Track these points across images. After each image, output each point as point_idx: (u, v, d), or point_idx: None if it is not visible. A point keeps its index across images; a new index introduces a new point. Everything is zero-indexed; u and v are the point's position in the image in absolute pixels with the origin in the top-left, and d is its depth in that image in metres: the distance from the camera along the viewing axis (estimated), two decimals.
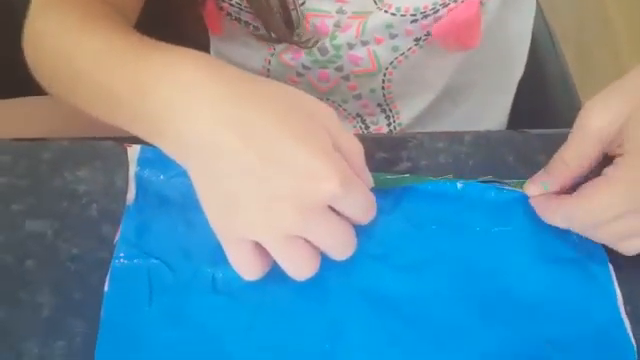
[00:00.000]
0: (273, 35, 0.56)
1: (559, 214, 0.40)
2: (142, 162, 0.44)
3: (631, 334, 0.38)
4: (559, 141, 0.44)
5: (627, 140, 0.38)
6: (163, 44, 0.40)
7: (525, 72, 0.71)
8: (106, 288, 0.40)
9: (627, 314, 0.39)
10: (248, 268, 0.38)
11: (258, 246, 0.37)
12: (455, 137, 0.46)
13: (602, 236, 0.40)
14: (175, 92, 0.37)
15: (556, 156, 0.41)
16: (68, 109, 0.47)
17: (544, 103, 0.74)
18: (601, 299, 0.39)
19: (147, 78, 0.38)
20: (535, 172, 0.44)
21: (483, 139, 0.46)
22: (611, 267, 0.40)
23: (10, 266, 0.42)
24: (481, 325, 0.38)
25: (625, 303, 0.39)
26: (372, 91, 0.63)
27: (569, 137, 0.40)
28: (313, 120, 0.37)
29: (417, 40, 0.57)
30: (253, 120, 0.36)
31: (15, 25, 0.49)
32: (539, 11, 0.77)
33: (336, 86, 0.63)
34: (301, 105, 0.38)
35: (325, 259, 0.38)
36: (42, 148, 0.46)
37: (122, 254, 0.41)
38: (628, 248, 0.40)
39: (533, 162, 0.45)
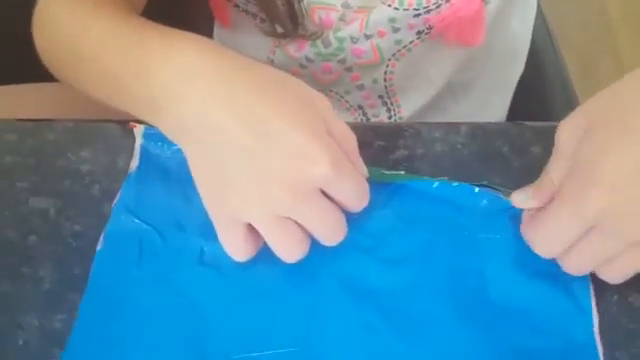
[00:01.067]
0: (278, 29, 0.57)
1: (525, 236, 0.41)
2: (147, 136, 0.45)
3: (602, 357, 0.38)
4: (553, 134, 0.45)
5: (574, 160, 0.38)
6: (166, 28, 0.41)
7: (525, 75, 0.71)
8: (99, 247, 0.42)
9: (603, 338, 0.38)
10: (238, 249, 0.39)
11: (249, 228, 0.38)
12: (451, 128, 0.47)
13: (568, 268, 0.39)
14: (176, 75, 0.38)
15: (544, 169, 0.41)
16: (72, 96, 0.48)
17: (542, 107, 0.75)
18: (577, 317, 0.39)
19: (150, 61, 0.39)
20: (529, 163, 0.45)
21: (479, 130, 0.47)
22: (592, 287, 0.40)
23: (13, 241, 0.43)
24: (456, 325, 0.39)
25: (601, 325, 0.39)
26: (374, 81, 0.64)
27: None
28: (309, 106, 0.38)
29: (419, 33, 0.58)
30: (250, 103, 0.37)
31: (24, 11, 0.50)
32: (540, 15, 0.78)
33: (339, 78, 0.64)
34: (298, 91, 0.39)
35: (313, 245, 0.38)
36: (47, 128, 0.48)
37: (118, 218, 0.42)
38: (608, 276, 0.39)
39: (527, 153, 0.45)
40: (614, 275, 0.39)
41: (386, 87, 0.64)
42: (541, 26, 0.77)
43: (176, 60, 0.38)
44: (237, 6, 0.60)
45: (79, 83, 0.46)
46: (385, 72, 0.63)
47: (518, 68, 0.71)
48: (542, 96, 0.75)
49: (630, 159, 0.36)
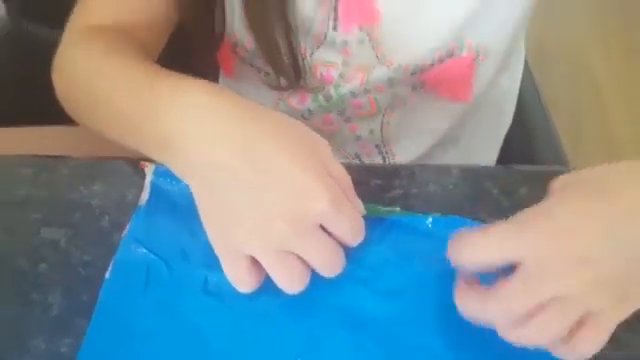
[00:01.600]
0: (283, 83, 0.61)
1: None
2: (158, 173, 0.48)
3: None
4: (540, 177, 0.48)
5: None
6: (176, 73, 0.44)
7: (512, 131, 0.75)
8: (107, 275, 0.43)
9: None
10: (242, 281, 0.41)
11: (253, 261, 0.40)
12: (444, 169, 0.49)
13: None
14: (183, 115, 0.41)
15: None
16: (88, 139, 0.51)
17: (530, 162, 0.77)
18: None
19: (159, 102, 0.42)
20: (517, 205, 0.47)
21: (470, 172, 0.49)
22: None
23: (25, 269, 0.44)
24: (448, 353, 0.41)
25: None
26: (371, 132, 0.67)
27: None
28: (309, 146, 0.41)
29: (414, 88, 0.62)
30: (255, 142, 0.39)
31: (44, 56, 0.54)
32: (531, 81, 0.82)
33: (338, 129, 0.67)
34: (298, 132, 0.41)
35: (313, 277, 0.40)
36: (61, 164, 0.50)
37: (126, 248, 0.44)
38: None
39: (516, 195, 0.48)
40: (536, 336, 0.37)
41: (382, 137, 0.68)
42: (529, 84, 0.82)
43: (184, 101, 0.41)
44: (243, 59, 0.63)
45: (93, 123, 0.49)
46: (382, 122, 0.66)
47: (505, 123, 0.74)
48: (529, 151, 0.78)
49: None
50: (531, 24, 0.64)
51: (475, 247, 0.38)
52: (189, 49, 0.58)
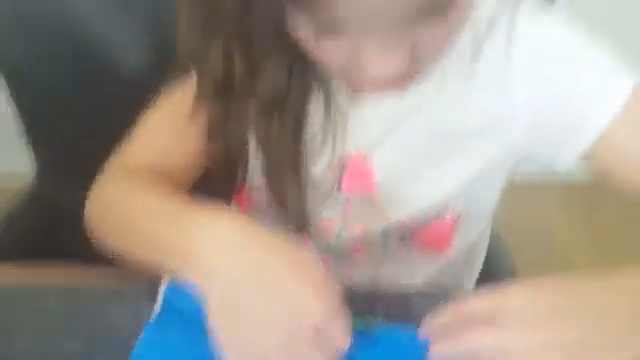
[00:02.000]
0: (289, 229, 0.67)
1: None
2: (170, 289, 0.55)
3: None
4: None
5: None
6: (204, 206, 0.52)
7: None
8: None
9: None
10: None
11: None
12: (426, 291, 0.55)
13: None
14: (210, 239, 0.48)
15: None
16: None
17: None
18: None
19: (186, 223, 0.50)
20: None
21: (450, 296, 0.55)
22: None
23: None
24: None
25: None
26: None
27: None
28: (309, 268, 0.48)
29: (403, 239, 0.69)
30: (267, 266, 0.47)
31: None
32: (507, 252, 0.90)
33: (333, 273, 0.73)
34: (302, 256, 0.49)
35: None
36: (82, 286, 0.57)
37: (137, 354, 0.50)
38: None
39: None
40: None
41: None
42: (503, 256, 0.89)
43: (206, 222, 0.49)
44: (256, 205, 0.71)
45: (120, 244, 0.56)
46: (373, 273, 0.72)
47: (475, 274, 0.80)
48: None
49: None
50: (503, 206, 0.73)
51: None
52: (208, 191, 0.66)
